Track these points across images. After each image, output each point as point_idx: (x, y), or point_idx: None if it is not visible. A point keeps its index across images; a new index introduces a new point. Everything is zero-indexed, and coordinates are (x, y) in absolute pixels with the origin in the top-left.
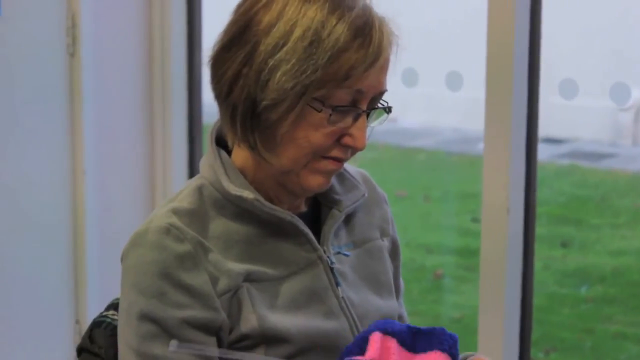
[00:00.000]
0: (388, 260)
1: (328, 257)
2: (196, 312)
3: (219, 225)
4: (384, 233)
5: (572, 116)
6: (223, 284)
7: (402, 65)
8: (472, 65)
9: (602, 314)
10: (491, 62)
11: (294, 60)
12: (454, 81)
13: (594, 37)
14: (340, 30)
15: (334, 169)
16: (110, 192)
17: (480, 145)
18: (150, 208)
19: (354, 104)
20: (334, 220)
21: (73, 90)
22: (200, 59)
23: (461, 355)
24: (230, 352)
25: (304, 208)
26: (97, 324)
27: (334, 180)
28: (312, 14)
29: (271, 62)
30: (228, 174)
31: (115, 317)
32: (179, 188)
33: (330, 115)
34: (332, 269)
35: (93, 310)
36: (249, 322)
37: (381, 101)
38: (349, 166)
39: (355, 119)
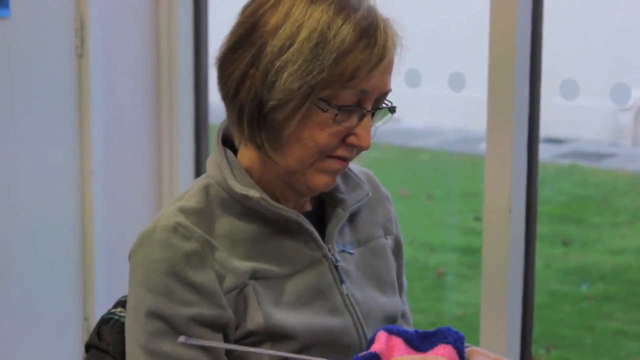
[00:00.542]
0: (391, 258)
1: (332, 255)
2: (203, 310)
3: (226, 223)
4: (387, 231)
5: (573, 116)
6: (229, 281)
7: (405, 66)
8: (475, 66)
9: (602, 311)
10: (493, 63)
11: (300, 61)
12: (456, 82)
13: (594, 38)
14: (345, 32)
15: (339, 168)
16: (118, 192)
17: (483, 145)
18: (158, 207)
19: (359, 104)
20: (339, 219)
21: (81, 91)
22: (206, 59)
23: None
24: (238, 346)
25: (309, 207)
26: (105, 321)
27: (338, 180)
28: (318, 16)
29: (278, 63)
30: (234, 173)
31: (123, 314)
32: (185, 187)
33: (336, 115)
34: (336, 267)
35: (101, 307)
36: (254, 319)
37: (385, 101)
38: (353, 165)
39: (360, 119)
